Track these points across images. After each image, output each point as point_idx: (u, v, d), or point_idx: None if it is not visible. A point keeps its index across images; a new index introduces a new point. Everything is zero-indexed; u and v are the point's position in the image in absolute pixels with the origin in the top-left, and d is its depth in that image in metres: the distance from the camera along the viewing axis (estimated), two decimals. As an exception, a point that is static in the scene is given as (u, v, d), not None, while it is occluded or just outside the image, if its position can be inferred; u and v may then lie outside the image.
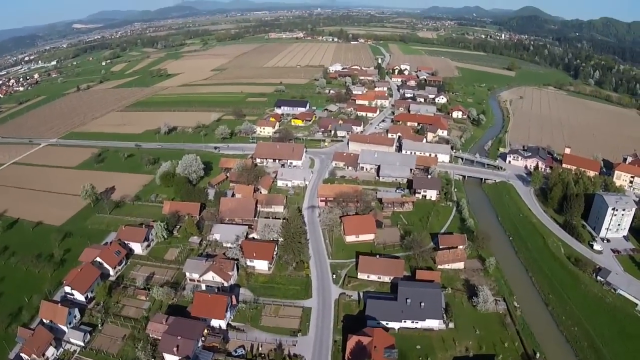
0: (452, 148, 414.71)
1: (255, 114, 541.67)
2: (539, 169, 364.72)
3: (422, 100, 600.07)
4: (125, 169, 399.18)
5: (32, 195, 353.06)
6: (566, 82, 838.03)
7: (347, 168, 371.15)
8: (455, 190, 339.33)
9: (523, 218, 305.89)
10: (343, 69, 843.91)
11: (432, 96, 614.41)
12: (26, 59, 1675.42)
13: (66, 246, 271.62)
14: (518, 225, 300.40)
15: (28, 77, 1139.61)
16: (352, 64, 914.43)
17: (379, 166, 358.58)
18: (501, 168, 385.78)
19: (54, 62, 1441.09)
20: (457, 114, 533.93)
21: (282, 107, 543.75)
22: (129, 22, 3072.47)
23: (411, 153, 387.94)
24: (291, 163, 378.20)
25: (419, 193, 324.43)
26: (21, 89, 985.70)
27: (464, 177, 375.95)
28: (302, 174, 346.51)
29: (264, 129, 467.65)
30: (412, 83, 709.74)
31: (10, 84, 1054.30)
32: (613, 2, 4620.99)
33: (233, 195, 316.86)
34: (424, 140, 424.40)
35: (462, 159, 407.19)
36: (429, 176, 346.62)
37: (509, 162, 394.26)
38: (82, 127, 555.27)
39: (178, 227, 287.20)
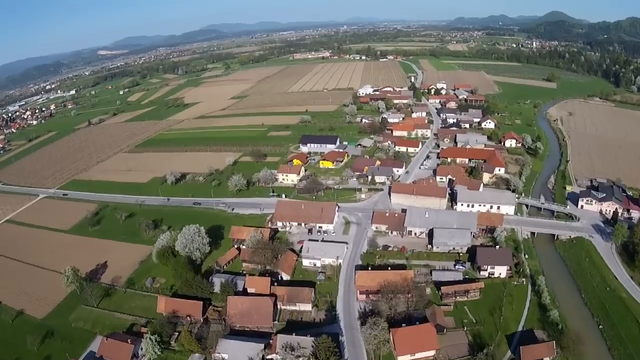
0: (513, 191, 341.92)
1: (277, 153, 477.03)
2: (618, 215, 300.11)
3: (466, 126, 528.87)
4: (121, 236, 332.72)
5: (19, 270, 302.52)
6: (609, 90, 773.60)
7: (391, 233, 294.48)
8: (527, 257, 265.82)
9: (610, 293, 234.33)
10: (374, 91, 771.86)
11: (477, 120, 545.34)
12: (47, 87, 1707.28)
13: (46, 351, 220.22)
14: (606, 304, 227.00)
15: (44, 109, 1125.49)
16: (384, 84, 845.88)
17: (430, 229, 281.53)
18: (575, 217, 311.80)
19: (72, 92, 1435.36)
20: (510, 143, 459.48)
21: (308, 144, 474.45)
22: (154, 48, 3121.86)
23: (468, 206, 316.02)
24: (320, 227, 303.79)
25: (485, 270, 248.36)
26: (34, 122, 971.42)
27: (532, 233, 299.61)
28: (335, 250, 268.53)
29: (286, 176, 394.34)
30: (452, 104, 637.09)
31: (26, 117, 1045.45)
32: (637, 1, 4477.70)
33: (245, 290, 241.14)
34: (481, 186, 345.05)
35: (526, 206, 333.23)
36: (497, 246, 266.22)
37: (581, 207, 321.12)
38: (84, 174, 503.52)
39: (176, 334, 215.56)
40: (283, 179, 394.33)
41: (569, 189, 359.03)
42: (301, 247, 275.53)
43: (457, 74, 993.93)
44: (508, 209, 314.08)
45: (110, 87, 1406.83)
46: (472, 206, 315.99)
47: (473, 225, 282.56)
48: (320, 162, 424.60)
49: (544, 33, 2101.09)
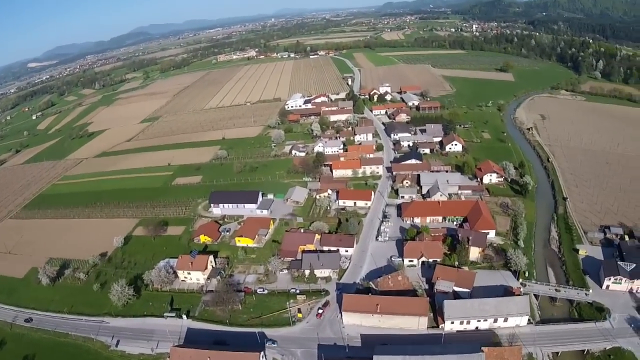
0: (516, 273, 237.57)
1: (182, 220, 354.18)
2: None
3: (426, 150, 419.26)
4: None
5: None
6: (571, 78, 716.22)
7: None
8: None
9: None
10: (306, 102, 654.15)
11: (438, 139, 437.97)
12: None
13: None
14: None
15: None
16: (316, 91, 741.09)
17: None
18: (605, 312, 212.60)
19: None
20: (489, 178, 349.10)
21: (220, 205, 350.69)
22: (82, 56, 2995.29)
23: (461, 323, 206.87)
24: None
25: None
26: None
27: (556, 353, 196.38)
28: None
29: (189, 275, 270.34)
30: (403, 117, 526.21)
31: None
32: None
33: None
34: (474, 279, 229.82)
35: (536, 296, 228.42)
36: None
37: (607, 287, 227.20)
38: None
39: None
40: (185, 278, 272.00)
41: (582, 252, 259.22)
42: None
43: (399, 69, 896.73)
44: (519, 320, 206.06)
45: (27, 109, 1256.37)
46: (468, 323, 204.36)
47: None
48: (236, 239, 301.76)
49: (480, 14, 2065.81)
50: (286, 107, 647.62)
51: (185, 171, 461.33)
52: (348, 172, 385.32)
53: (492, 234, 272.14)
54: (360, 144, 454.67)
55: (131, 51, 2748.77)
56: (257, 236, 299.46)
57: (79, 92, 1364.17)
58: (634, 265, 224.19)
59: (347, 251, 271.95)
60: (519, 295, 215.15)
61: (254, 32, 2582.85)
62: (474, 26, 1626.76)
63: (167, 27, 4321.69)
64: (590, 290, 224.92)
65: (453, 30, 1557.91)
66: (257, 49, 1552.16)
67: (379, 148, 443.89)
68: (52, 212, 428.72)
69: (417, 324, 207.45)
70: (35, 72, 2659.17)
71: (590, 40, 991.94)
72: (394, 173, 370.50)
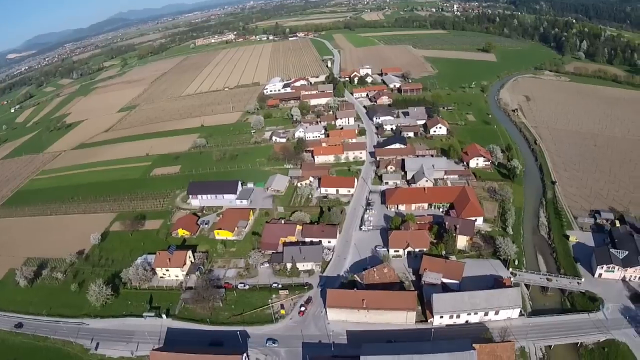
0: (505, 262, 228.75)
1: (160, 213, 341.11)
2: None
3: (410, 134, 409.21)
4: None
5: None
6: (555, 59, 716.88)
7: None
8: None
9: None
10: (285, 86, 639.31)
11: (422, 122, 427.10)
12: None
13: None
14: None
15: None
16: (296, 75, 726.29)
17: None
18: (598, 302, 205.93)
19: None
20: (476, 162, 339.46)
21: (199, 196, 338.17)
22: (61, 44, 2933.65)
23: (450, 317, 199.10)
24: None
25: None
26: None
27: (549, 347, 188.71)
28: None
29: (167, 271, 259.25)
30: (385, 99, 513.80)
31: None
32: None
33: None
34: (463, 269, 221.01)
35: (527, 286, 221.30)
36: None
37: (599, 275, 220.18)
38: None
39: None
40: (163, 274, 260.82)
41: (572, 239, 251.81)
42: None
43: (380, 50, 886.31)
44: (511, 313, 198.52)
45: (5, 102, 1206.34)
46: (458, 316, 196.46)
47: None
48: (215, 232, 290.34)
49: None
50: (265, 91, 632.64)
51: (163, 161, 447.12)
52: (330, 158, 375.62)
53: (479, 221, 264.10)
54: (342, 128, 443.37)
55: (109, 38, 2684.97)
56: (236, 228, 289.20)
57: (57, 82, 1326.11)
58: (627, 252, 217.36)
59: (329, 242, 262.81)
60: (510, 285, 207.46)
61: (233, 14, 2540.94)
62: (454, 5, 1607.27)
63: (146, 13, 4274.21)
64: (583, 279, 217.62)
65: (434, 10, 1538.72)
66: (235, 32, 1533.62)
67: (362, 132, 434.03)
68: (30, 210, 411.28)
69: (405, 318, 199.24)
70: (14, 63, 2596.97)
71: (574, 21, 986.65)
72: (378, 158, 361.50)
